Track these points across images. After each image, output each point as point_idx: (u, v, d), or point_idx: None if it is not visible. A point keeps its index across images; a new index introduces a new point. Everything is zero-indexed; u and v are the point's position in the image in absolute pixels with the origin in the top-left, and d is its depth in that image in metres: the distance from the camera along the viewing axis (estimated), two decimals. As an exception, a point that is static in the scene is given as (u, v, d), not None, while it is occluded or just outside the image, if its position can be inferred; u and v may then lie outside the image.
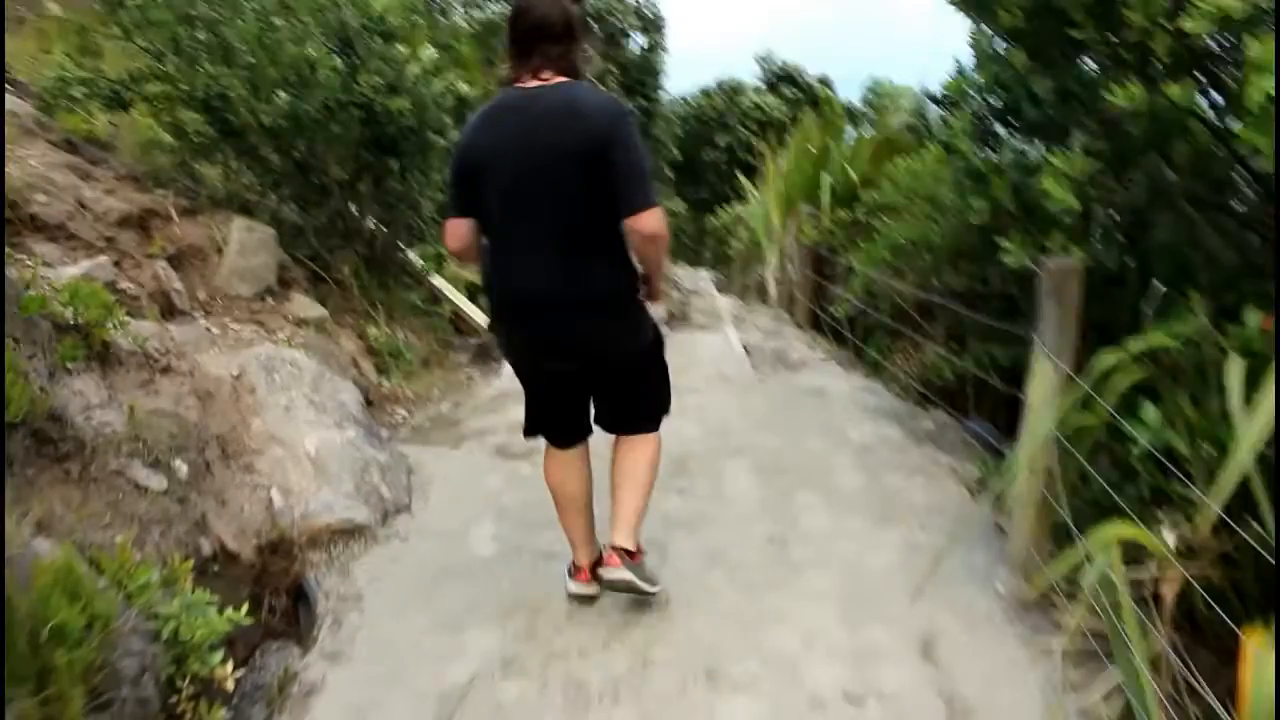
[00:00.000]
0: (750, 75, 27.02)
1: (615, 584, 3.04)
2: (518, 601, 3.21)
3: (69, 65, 5.48)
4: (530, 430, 3.29)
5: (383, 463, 4.08)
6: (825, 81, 26.18)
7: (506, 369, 6.34)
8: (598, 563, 3.18)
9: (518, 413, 5.16)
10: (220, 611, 2.83)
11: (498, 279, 2.89)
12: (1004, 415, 5.78)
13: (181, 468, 3.37)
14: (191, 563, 2.96)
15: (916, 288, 5.99)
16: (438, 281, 7.66)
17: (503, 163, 2.70)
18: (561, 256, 2.73)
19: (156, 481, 3.21)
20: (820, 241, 7.69)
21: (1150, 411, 2.81)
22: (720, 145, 24.35)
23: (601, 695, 2.69)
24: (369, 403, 5.20)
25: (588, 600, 3.21)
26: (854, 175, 7.96)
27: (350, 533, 3.67)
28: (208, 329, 4.87)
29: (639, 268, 2.91)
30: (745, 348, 6.83)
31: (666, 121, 23.69)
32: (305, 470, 3.85)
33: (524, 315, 2.88)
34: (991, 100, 4.43)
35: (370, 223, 6.49)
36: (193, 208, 5.53)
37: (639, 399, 3.20)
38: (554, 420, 3.22)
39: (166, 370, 3.92)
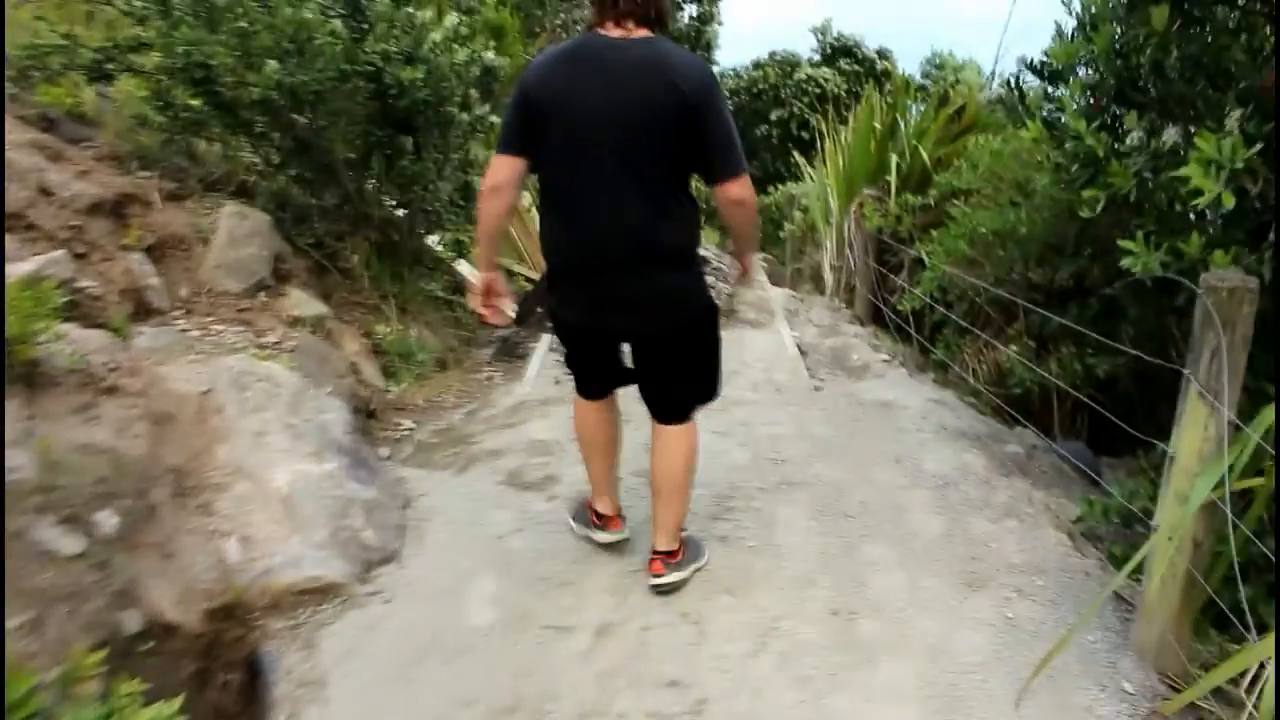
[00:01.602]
0: (806, 48, 26.00)
1: (662, 589, 3.04)
2: (518, 699, 2.56)
3: (44, 31, 4.89)
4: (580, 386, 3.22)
5: (368, 500, 3.44)
6: (885, 54, 25.07)
7: (530, 370, 5.72)
8: (617, 516, 3.34)
9: (536, 428, 4.57)
10: (146, 705, 2.27)
11: (563, 237, 2.80)
12: (1092, 430, 5.07)
13: (108, 521, 2.74)
14: (103, 654, 2.37)
15: (997, 283, 5.24)
16: (463, 268, 7.01)
17: (578, 114, 2.60)
18: (633, 219, 2.66)
19: (70, 544, 2.58)
20: (885, 228, 6.91)
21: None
22: (773, 119, 23.39)
23: None
24: (370, 414, 4.58)
25: (616, 546, 3.31)
26: (925, 156, 7.15)
27: (320, 593, 3.04)
28: (185, 332, 4.27)
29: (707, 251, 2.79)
30: (800, 348, 6.08)
31: (718, 95, 22.82)
32: (273, 513, 3.22)
33: (590, 276, 2.77)
34: (1110, 71, 3.67)
35: (385, 207, 5.84)
36: (180, 191, 4.92)
37: (690, 365, 3.02)
38: (596, 376, 3.15)
39: (112, 391, 3.30)
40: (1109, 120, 3.75)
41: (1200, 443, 2.39)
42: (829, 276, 8.65)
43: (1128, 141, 3.66)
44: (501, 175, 2.74)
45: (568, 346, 3.12)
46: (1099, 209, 3.50)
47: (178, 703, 2.50)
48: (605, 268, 2.73)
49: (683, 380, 3.01)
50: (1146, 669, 2.63)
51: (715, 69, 23.35)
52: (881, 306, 7.02)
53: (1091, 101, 3.82)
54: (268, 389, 3.63)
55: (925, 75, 23.61)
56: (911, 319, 6.51)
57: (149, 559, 2.89)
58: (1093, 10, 3.66)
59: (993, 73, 10.43)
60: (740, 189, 2.64)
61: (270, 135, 5.07)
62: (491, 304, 2.97)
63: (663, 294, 2.79)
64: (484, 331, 6.65)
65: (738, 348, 5.85)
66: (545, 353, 5.85)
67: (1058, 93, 4.24)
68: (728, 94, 23.38)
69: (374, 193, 5.61)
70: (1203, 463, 2.39)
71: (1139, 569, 2.87)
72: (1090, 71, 3.87)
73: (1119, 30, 3.57)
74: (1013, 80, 4.30)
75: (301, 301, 4.83)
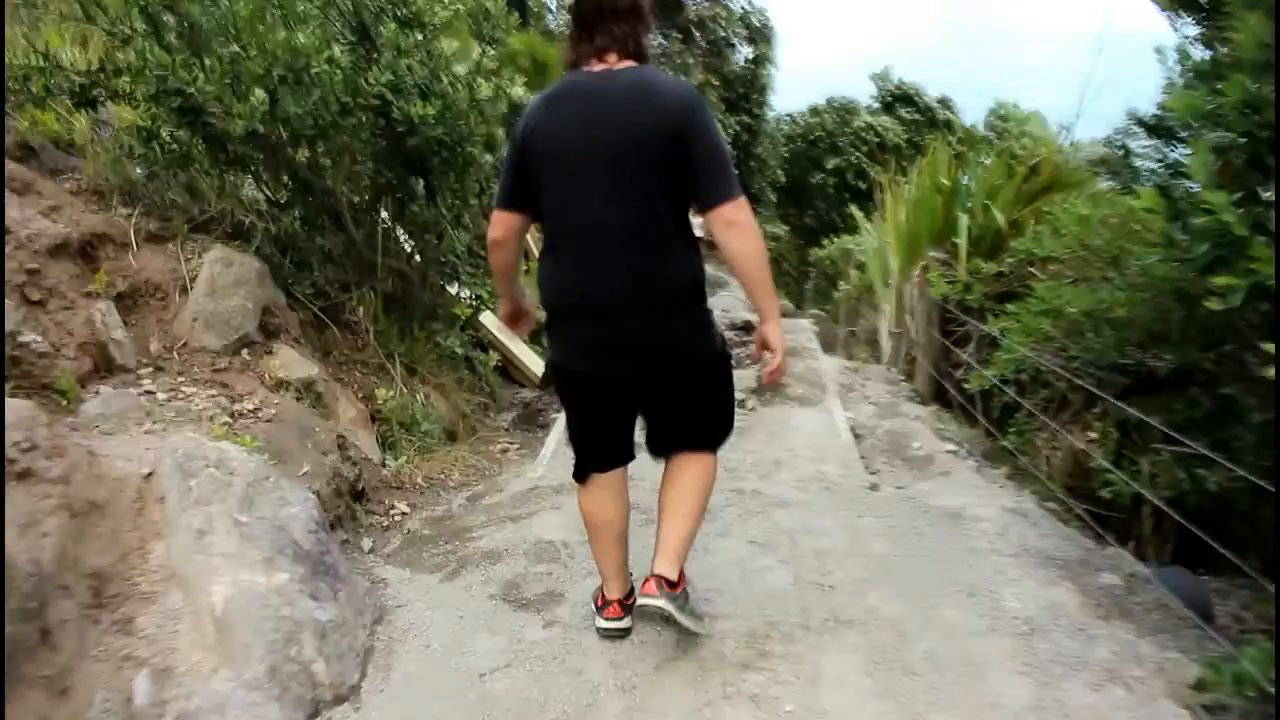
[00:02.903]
0: (865, 95, 25.42)
1: (649, 610, 2.77)
2: None
3: (21, 52, 4.41)
4: (579, 465, 2.99)
5: (325, 621, 2.82)
6: (946, 103, 24.44)
7: (547, 446, 5.11)
8: (629, 596, 3.01)
9: (544, 524, 3.88)
10: None
11: (560, 278, 2.70)
12: (1181, 536, 4.36)
13: (-33, 661, 2.16)
14: None
15: (1083, 368, 4.58)
16: (486, 321, 6.45)
17: (567, 151, 2.56)
18: (630, 253, 2.57)
19: (-98, 698, 2.01)
20: (952, 296, 6.23)
21: None
22: (829, 168, 22.83)
23: None
24: (358, 495, 3.99)
25: (619, 635, 2.95)
26: (999, 217, 6.46)
27: (245, 753, 2.42)
28: (149, 394, 3.72)
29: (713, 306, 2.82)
30: (854, 431, 5.40)
31: (771, 141, 22.35)
32: (203, 636, 2.63)
33: (590, 317, 2.67)
34: (1243, 131, 3.02)
35: (396, 255, 5.29)
36: (163, 231, 4.40)
37: (702, 412, 2.90)
38: (601, 439, 2.93)
39: (25, 476, 2.73)
40: (1244, 192, 3.09)
41: None
42: (886, 344, 7.97)
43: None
44: (500, 231, 2.76)
45: (567, 399, 2.97)
46: (1239, 300, 2.84)
47: None
48: (601, 308, 2.64)
49: (690, 425, 2.90)
50: None
51: (771, 114, 22.91)
52: (945, 384, 6.34)
53: (1219, 166, 3.17)
54: (217, 476, 3.04)
55: (989, 127, 22.95)
56: (979, 399, 5.84)
57: (32, 701, 2.31)
58: (1222, 55, 3.01)
59: (1068, 126, 9.71)
60: (733, 211, 2.50)
61: (264, 173, 4.55)
62: (519, 324, 3.12)
63: (663, 338, 2.69)
64: (506, 393, 6.07)
65: (783, 431, 5.17)
66: (565, 425, 5.24)
67: (1175, 153, 3.62)
68: (783, 140, 22.95)
69: (384, 239, 5.06)
70: None
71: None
72: (1220, 130, 3.21)
73: (1249, 82, 2.92)
74: (1119, 138, 3.68)
75: (290, 361, 4.27)
